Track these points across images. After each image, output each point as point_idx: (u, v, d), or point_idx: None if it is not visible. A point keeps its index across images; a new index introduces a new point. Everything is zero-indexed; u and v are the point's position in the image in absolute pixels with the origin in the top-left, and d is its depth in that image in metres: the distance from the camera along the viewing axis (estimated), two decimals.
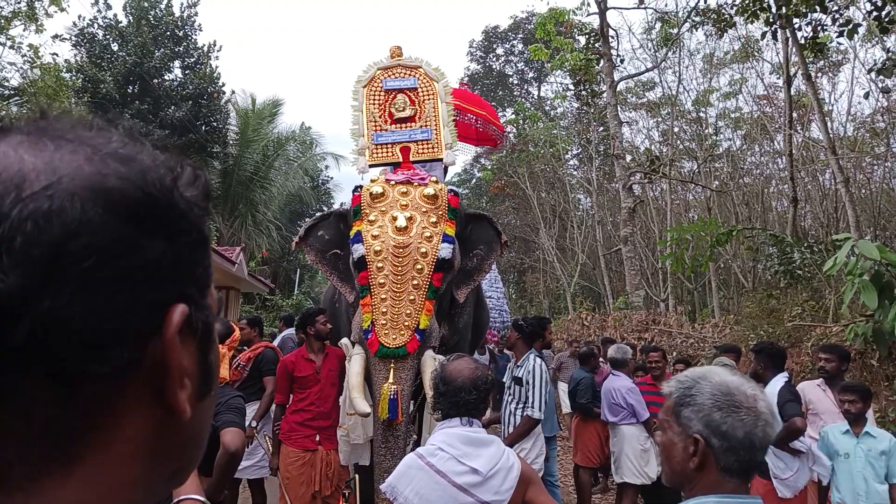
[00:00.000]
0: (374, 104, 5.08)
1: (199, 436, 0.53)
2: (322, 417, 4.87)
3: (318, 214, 4.95)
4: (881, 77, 9.89)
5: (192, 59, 20.50)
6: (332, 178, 28.38)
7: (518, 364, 5.18)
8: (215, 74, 20.51)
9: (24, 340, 0.39)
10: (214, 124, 20.43)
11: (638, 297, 14.12)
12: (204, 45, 20.85)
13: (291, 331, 8.41)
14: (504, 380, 5.52)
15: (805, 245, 9.30)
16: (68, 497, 0.42)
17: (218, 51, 20.97)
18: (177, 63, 20.53)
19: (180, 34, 20.33)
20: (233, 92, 21.81)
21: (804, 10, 9.17)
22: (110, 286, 0.42)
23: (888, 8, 8.64)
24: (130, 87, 19.38)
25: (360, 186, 4.58)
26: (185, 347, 0.47)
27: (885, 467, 4.08)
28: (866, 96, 10.60)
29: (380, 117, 5.06)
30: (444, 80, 5.29)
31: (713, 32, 14.51)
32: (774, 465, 4.44)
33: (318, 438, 4.84)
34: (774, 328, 8.98)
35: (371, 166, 4.98)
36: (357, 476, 3.80)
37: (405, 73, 5.21)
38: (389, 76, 5.18)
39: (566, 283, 20.83)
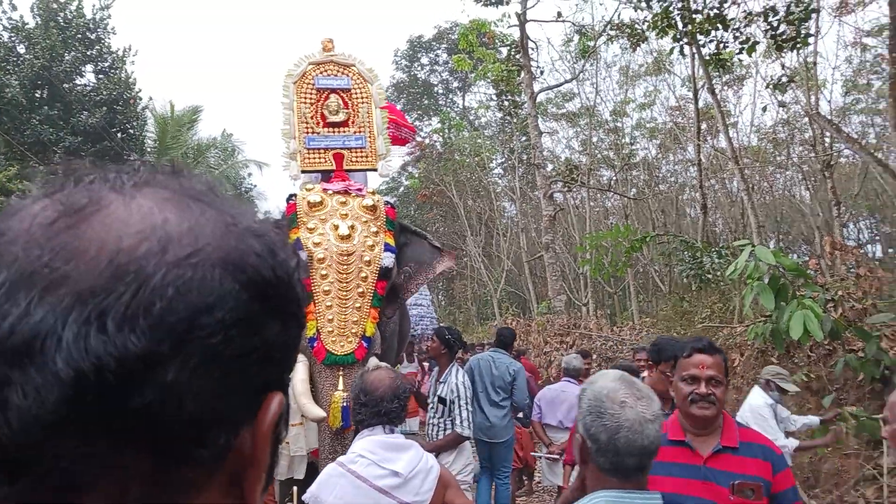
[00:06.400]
0: (305, 103, 4.83)
1: None
2: None
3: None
4: (778, 91, 10.57)
5: (106, 64, 19.67)
6: (255, 185, 27.76)
7: (441, 380, 4.81)
8: (131, 80, 19.75)
9: (141, 409, 0.37)
10: (131, 131, 19.67)
11: (560, 301, 14.50)
12: (118, 49, 20.05)
13: None
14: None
15: (713, 250, 9.79)
16: None
17: (133, 55, 20.20)
18: (89, 67, 19.64)
19: (92, 37, 19.47)
20: (150, 98, 21.05)
21: (708, 28, 9.71)
22: (228, 365, 0.40)
23: (783, 27, 9.27)
24: (39, 92, 18.42)
25: (294, 195, 4.43)
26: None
27: None
28: (764, 110, 11.28)
29: (311, 118, 4.82)
30: (378, 83, 5.06)
31: (628, 46, 15.11)
32: None
33: None
34: (686, 329, 9.45)
35: (303, 172, 4.78)
36: (296, 488, 3.73)
37: (338, 71, 4.95)
38: (322, 73, 4.92)
39: (493, 289, 21.14)
